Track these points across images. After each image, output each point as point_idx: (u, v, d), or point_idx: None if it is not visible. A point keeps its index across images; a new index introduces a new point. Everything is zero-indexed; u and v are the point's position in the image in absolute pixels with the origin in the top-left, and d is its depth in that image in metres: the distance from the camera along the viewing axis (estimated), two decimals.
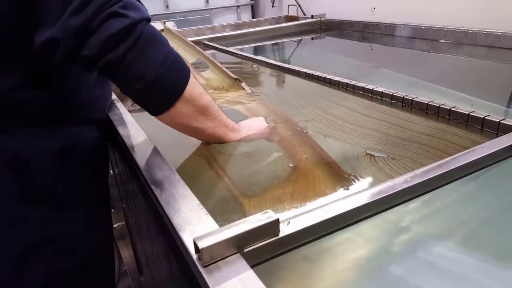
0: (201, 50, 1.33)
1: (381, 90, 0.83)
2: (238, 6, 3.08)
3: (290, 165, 0.60)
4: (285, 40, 1.86)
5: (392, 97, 0.81)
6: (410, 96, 0.77)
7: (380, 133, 0.68)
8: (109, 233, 0.84)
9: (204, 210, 0.42)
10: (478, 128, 0.65)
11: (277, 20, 2.27)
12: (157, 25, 1.47)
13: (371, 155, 0.60)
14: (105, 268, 0.82)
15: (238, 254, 0.35)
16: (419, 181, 0.46)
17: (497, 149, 0.53)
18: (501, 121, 0.62)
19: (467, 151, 0.52)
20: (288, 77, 1.12)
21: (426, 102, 0.74)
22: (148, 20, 0.56)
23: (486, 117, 0.64)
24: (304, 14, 2.19)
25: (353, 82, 0.91)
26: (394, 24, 1.57)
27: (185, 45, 1.41)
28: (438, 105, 0.72)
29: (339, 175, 0.56)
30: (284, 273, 0.38)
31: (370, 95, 0.86)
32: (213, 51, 1.66)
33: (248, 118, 0.79)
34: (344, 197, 0.44)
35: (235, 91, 1.01)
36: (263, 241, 0.37)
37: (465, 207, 0.48)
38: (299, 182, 0.55)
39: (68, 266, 0.70)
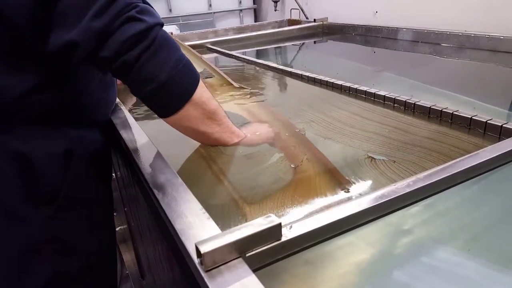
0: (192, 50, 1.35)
1: (384, 94, 0.83)
2: (241, 10, 3.09)
3: (291, 165, 0.60)
4: (287, 43, 1.87)
5: (394, 100, 0.81)
6: (413, 99, 0.77)
7: (382, 137, 0.68)
8: (111, 236, 0.84)
9: (206, 215, 0.42)
10: (481, 132, 0.65)
11: (280, 24, 2.28)
12: None
13: (372, 158, 0.60)
14: (107, 271, 0.82)
15: (240, 259, 0.35)
16: (421, 185, 0.46)
17: (500, 153, 0.53)
18: (504, 125, 0.62)
19: (469, 155, 0.52)
20: (291, 81, 1.12)
21: (429, 106, 0.74)
22: (162, 25, 0.59)
23: (488, 121, 0.64)
24: (307, 18, 2.20)
25: (355, 86, 0.91)
26: (396, 27, 1.57)
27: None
28: (440, 109, 0.71)
29: (339, 179, 0.56)
30: (286, 278, 0.38)
31: (372, 98, 0.86)
32: (216, 54, 1.66)
33: (252, 123, 0.80)
34: (346, 201, 0.44)
35: (224, 86, 1.01)
36: (265, 246, 0.37)
37: (468, 211, 0.48)
38: (301, 186, 0.55)
39: (70, 267, 0.70)
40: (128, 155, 0.63)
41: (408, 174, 0.54)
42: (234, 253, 0.35)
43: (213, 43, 1.80)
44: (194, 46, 1.77)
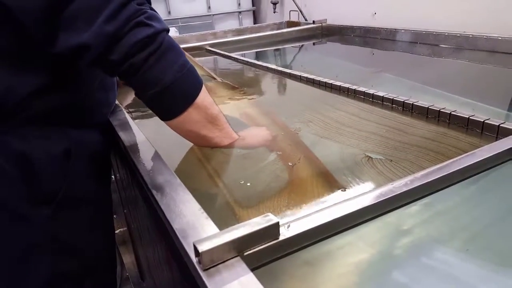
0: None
1: (382, 95, 0.83)
2: (240, 12, 3.09)
3: (289, 163, 0.60)
4: (286, 45, 1.87)
5: (393, 101, 0.81)
6: (411, 100, 0.78)
7: (380, 136, 0.68)
8: (111, 237, 0.84)
9: (205, 214, 0.42)
10: (478, 132, 0.65)
11: (279, 25, 2.28)
12: None
13: (370, 157, 0.60)
14: (107, 272, 0.82)
15: (238, 258, 0.35)
16: (419, 184, 0.46)
17: (497, 152, 0.53)
18: (501, 125, 0.62)
19: (466, 154, 0.52)
20: (290, 82, 1.12)
21: (427, 106, 0.74)
22: (168, 31, 0.61)
23: (485, 121, 0.64)
24: (306, 20, 2.20)
25: (354, 87, 0.91)
26: (395, 29, 1.58)
27: None
28: (438, 109, 0.72)
29: (336, 180, 0.56)
30: (284, 277, 0.39)
31: (371, 99, 0.86)
32: (215, 56, 1.67)
33: (250, 128, 0.80)
34: (344, 200, 0.44)
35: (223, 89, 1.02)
36: (263, 245, 0.37)
37: (466, 210, 0.48)
38: (298, 185, 0.55)
39: (70, 268, 0.70)
40: (126, 157, 0.64)
41: (406, 174, 0.55)
42: (232, 252, 0.35)
43: (212, 45, 1.81)
44: (193, 48, 1.78)
